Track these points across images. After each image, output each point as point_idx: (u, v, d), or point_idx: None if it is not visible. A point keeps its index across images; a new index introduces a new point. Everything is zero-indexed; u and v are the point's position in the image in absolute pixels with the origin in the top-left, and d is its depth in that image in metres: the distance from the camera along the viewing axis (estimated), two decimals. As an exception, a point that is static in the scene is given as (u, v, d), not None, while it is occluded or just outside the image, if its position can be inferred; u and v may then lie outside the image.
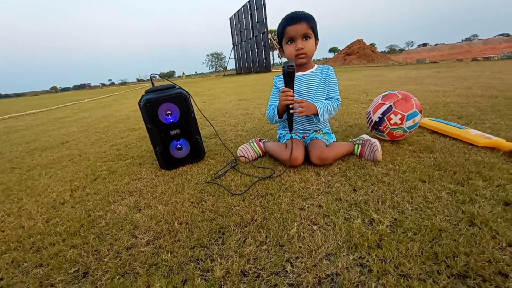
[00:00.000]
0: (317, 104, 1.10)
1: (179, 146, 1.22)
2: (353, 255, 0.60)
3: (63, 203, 1.02)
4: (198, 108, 1.28)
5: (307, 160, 1.11)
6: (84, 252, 0.71)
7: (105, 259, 0.67)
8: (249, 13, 18.74)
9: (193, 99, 1.23)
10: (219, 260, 0.63)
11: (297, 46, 1.08)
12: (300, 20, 1.05)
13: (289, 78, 1.02)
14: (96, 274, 0.63)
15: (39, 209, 0.99)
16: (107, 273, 0.63)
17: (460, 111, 1.74)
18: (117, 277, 0.61)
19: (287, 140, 1.22)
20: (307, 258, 0.60)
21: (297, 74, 1.18)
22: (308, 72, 1.18)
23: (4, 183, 1.30)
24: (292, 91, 1.04)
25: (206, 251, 0.67)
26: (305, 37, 1.08)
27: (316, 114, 1.10)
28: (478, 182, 0.83)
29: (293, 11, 1.09)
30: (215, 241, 0.70)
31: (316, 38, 1.12)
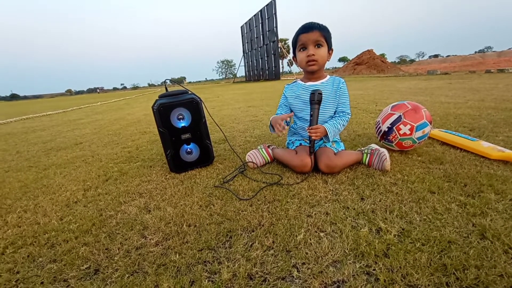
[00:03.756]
0: (326, 126, 1.09)
1: (189, 150, 1.25)
2: (360, 263, 0.60)
3: (76, 202, 1.05)
4: (209, 114, 1.32)
5: (315, 167, 1.12)
6: (96, 250, 0.73)
7: (115, 258, 0.69)
8: (260, 22, 19.08)
9: (205, 104, 1.27)
10: (226, 263, 0.64)
11: (308, 52, 1.10)
12: (313, 29, 1.08)
13: (318, 105, 1.07)
14: (107, 272, 0.65)
15: (53, 206, 1.03)
16: (117, 271, 0.64)
17: (472, 123, 1.71)
18: (127, 275, 0.63)
19: (296, 146, 1.23)
20: (314, 264, 0.61)
21: (307, 84, 1.20)
22: (318, 82, 1.19)
23: (22, 181, 1.36)
24: (317, 123, 1.09)
25: (213, 253, 0.68)
26: (317, 44, 1.09)
27: (326, 135, 1.11)
28: (490, 195, 0.81)
29: (307, 22, 1.12)
30: (222, 244, 0.71)
31: (330, 48, 1.13)
